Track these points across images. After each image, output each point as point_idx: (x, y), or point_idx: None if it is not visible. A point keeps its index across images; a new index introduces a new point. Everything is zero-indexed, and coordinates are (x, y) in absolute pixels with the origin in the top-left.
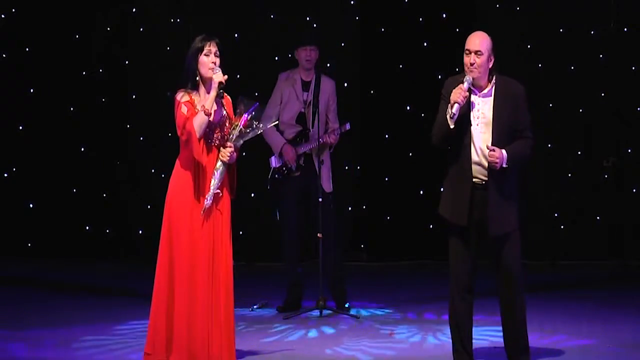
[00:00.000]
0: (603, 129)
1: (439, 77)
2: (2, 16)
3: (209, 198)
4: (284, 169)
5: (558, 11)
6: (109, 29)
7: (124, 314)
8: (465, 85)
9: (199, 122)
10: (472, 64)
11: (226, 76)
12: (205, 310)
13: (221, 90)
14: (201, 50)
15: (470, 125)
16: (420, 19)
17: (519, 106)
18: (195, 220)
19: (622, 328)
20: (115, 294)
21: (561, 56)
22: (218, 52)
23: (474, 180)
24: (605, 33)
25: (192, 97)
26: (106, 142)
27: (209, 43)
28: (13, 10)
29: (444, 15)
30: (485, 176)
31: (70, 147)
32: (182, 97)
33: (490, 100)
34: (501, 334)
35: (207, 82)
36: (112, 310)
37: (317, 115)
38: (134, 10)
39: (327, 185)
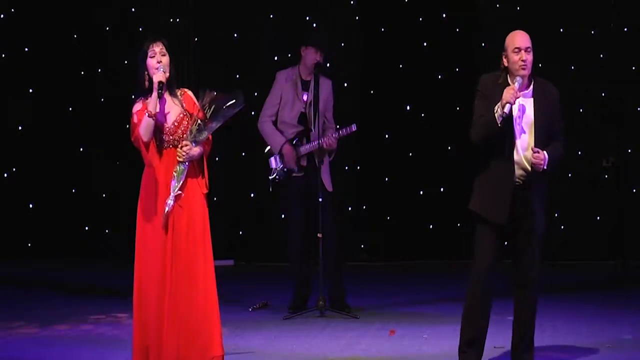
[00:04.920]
0: (603, 129)
1: (439, 77)
2: (2, 16)
3: (170, 201)
4: (285, 169)
5: (558, 11)
6: (108, 28)
7: (124, 314)
8: (517, 85)
9: (143, 126)
10: (524, 61)
11: (167, 74)
12: (158, 309)
13: (160, 91)
14: (147, 53)
15: (513, 124)
16: (420, 19)
17: (555, 108)
18: (156, 223)
19: (622, 328)
20: (115, 294)
21: (561, 56)
22: (164, 51)
23: (515, 179)
24: (605, 32)
25: (145, 103)
26: (106, 142)
27: (152, 45)
28: (12, 10)
29: (444, 15)
30: (525, 176)
31: (70, 147)
32: (135, 107)
33: (530, 101)
34: (502, 334)
35: None
36: (112, 310)
37: (317, 115)
38: (133, 10)
39: (329, 184)
